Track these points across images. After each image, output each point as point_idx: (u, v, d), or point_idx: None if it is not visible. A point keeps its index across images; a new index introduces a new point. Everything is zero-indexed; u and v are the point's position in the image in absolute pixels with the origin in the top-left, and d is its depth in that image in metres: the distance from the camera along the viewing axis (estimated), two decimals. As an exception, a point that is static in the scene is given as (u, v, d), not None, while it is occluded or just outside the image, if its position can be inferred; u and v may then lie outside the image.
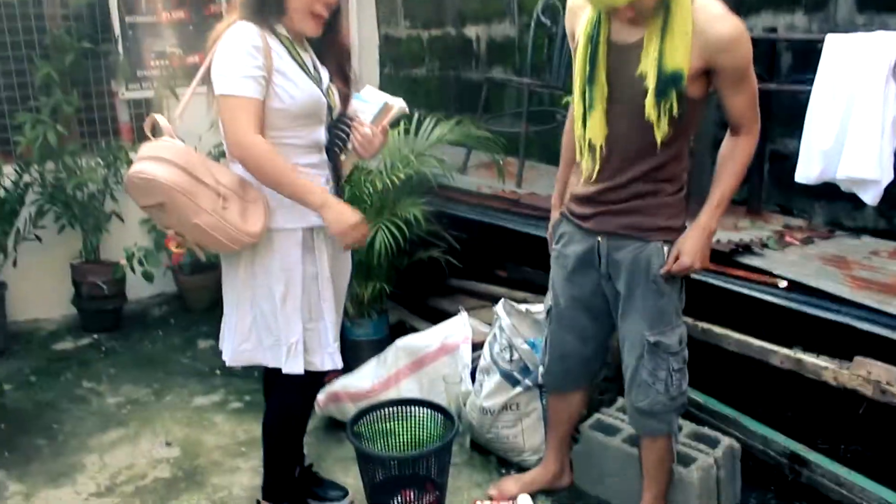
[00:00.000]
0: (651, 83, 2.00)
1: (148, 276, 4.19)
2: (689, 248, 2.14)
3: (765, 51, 3.22)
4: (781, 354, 2.57)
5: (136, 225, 4.45)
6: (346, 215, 2.16)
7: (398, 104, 2.44)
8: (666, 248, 2.17)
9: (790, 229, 3.23)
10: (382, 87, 5.29)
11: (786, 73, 3.38)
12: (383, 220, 3.39)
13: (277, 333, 2.25)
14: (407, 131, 3.82)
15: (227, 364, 2.36)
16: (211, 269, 4.50)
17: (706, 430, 2.64)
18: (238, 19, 2.10)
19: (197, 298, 4.53)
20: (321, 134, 2.25)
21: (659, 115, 2.02)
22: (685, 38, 1.96)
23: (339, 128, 2.30)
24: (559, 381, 2.55)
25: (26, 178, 4.07)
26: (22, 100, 4.19)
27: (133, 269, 4.17)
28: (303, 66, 2.18)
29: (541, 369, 2.63)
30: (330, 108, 2.26)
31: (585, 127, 2.16)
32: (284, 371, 2.26)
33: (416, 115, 3.89)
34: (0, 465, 3.01)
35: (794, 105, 3.29)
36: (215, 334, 4.09)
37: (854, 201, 2.89)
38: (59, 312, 4.45)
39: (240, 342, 2.31)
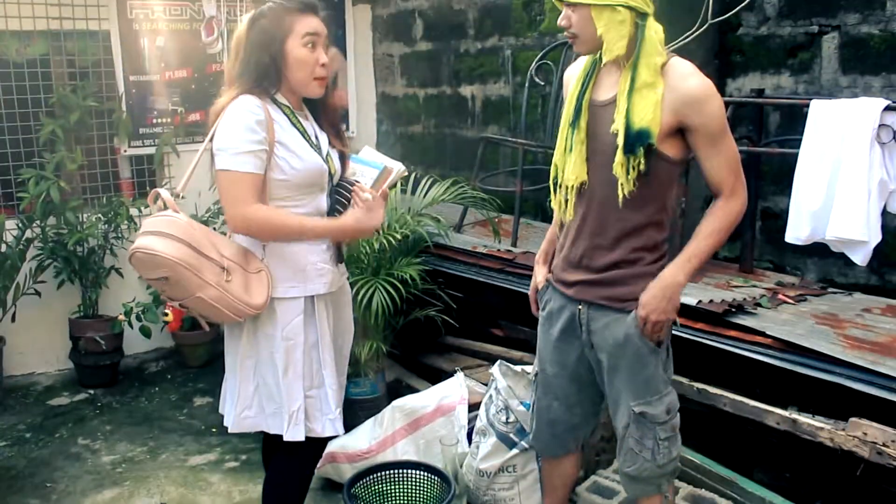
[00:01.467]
0: (620, 140, 2.03)
1: (146, 332, 4.22)
2: (645, 300, 2.10)
3: (752, 112, 3.29)
4: (777, 415, 2.58)
5: (134, 280, 4.46)
6: (372, 217, 2.24)
7: (397, 167, 2.43)
8: None
9: (783, 286, 3.25)
10: (379, 145, 5.43)
11: (775, 132, 3.45)
12: (380, 280, 3.42)
13: (279, 401, 2.26)
14: (403, 191, 3.88)
15: (230, 430, 2.35)
16: (209, 326, 4.53)
17: (703, 493, 2.63)
18: (239, 93, 2.14)
19: (194, 354, 4.54)
20: (322, 201, 2.28)
21: (628, 171, 2.03)
22: (653, 96, 2.00)
23: (339, 192, 2.33)
24: (548, 446, 2.52)
25: (28, 233, 4.12)
26: (26, 156, 4.25)
27: (131, 325, 4.19)
28: (304, 134, 2.23)
29: (530, 436, 2.61)
30: (331, 175, 2.29)
31: (563, 172, 2.20)
32: (286, 438, 2.26)
33: (413, 174, 3.95)
34: (-9, 526, 3.00)
35: (784, 164, 3.36)
36: (212, 391, 4.14)
37: (846, 258, 2.92)
38: (55, 367, 4.47)
39: (241, 409, 2.31)
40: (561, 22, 2.10)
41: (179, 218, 2.16)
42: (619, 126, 2.04)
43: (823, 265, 3.44)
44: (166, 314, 4.01)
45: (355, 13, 5.38)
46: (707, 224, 2.11)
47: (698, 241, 2.11)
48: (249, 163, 2.10)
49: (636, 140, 2.01)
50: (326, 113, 2.36)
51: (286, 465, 2.39)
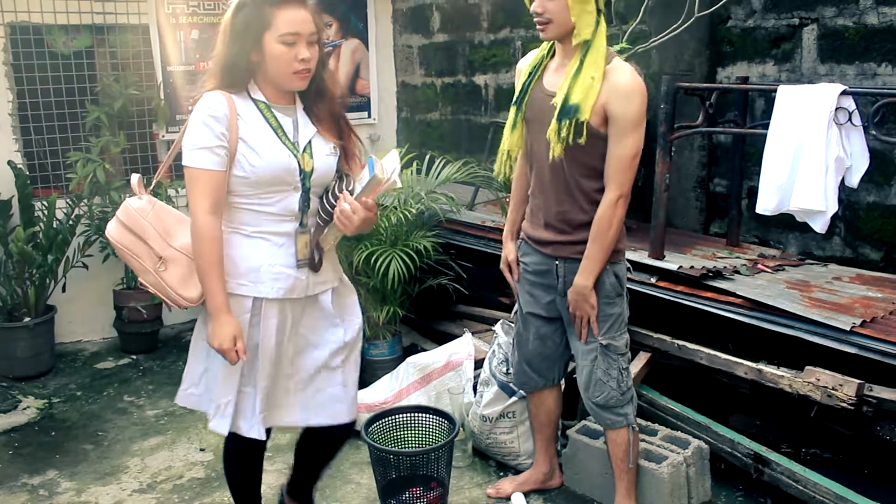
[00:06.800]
0: (557, 109, 2.43)
1: (182, 303, 4.58)
2: (570, 301, 2.58)
3: (738, 98, 3.58)
4: (745, 366, 2.89)
5: (172, 255, 4.85)
6: (221, 336, 2.13)
7: (390, 180, 2.14)
8: (609, 268, 2.55)
9: (764, 258, 3.55)
10: (399, 131, 5.76)
11: (760, 117, 3.73)
12: (397, 250, 3.77)
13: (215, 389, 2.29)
14: (419, 171, 4.22)
15: (175, 401, 2.41)
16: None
17: (679, 434, 2.95)
18: (212, 87, 2.13)
19: (227, 323, 4.90)
20: (293, 201, 2.20)
21: (559, 137, 2.42)
22: (592, 82, 2.37)
23: (328, 200, 2.24)
24: (529, 380, 2.91)
25: (77, 211, 4.49)
26: (74, 140, 4.63)
27: (169, 296, 4.55)
28: (277, 130, 2.16)
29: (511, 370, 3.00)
30: (305, 173, 2.19)
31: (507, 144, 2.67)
32: (210, 427, 2.29)
33: (427, 156, 4.28)
34: (53, 466, 3.39)
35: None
36: (244, 356, 4.50)
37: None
38: (100, 335, 4.86)
39: (188, 386, 2.36)
40: (536, 9, 2.43)
41: (132, 202, 2.22)
42: (558, 98, 2.43)
43: (804, 239, 3.72)
44: None
45: (377, 6, 5.69)
46: (593, 227, 2.50)
47: (590, 245, 2.51)
48: (204, 159, 2.07)
49: (567, 112, 2.40)
50: (320, 105, 2.26)
51: (227, 450, 2.51)
